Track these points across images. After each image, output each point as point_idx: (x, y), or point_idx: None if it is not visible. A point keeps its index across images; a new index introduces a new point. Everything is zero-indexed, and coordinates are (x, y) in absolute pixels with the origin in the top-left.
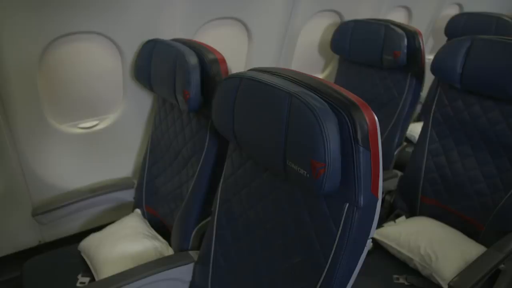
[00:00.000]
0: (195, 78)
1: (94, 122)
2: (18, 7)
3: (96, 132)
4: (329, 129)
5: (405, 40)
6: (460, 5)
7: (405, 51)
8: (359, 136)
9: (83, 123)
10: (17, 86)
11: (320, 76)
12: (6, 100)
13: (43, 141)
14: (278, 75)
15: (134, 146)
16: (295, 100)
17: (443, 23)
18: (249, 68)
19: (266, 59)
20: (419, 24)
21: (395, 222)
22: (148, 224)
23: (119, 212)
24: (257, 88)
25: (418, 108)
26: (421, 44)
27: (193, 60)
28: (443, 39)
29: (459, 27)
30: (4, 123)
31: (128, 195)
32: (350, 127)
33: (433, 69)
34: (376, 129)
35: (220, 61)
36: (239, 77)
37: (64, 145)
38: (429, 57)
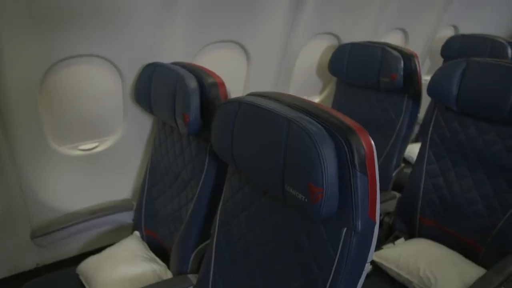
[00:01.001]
0: (195, 101)
1: (94, 144)
2: (21, 29)
3: (96, 154)
4: (326, 154)
5: (402, 62)
6: (455, 27)
7: (402, 73)
8: (356, 161)
9: (83, 145)
10: (18, 108)
11: (318, 98)
12: (7, 121)
13: (43, 163)
14: (276, 100)
15: (133, 168)
16: (293, 125)
17: (439, 45)
18: (247, 90)
19: (265, 81)
20: (416, 45)
21: (394, 244)
22: (147, 247)
23: (118, 234)
24: (256, 113)
25: (416, 129)
26: (417, 66)
27: (192, 83)
28: (440, 60)
29: (455, 49)
30: (5, 144)
31: (127, 217)
32: (347, 152)
33: (429, 91)
34: (373, 153)
35: (219, 84)
36: (238, 101)
37: (64, 167)
38: (426, 78)
